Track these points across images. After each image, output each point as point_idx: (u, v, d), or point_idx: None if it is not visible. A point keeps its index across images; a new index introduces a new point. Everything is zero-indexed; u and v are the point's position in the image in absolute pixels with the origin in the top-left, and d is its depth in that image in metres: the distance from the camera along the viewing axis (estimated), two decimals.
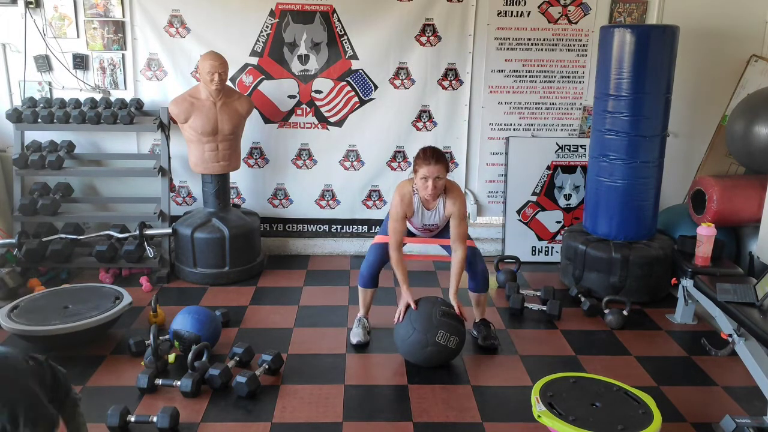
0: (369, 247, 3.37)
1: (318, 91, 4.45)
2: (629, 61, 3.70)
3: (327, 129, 4.53)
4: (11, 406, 1.54)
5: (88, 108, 4.20)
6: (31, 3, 4.15)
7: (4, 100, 4.36)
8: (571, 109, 4.55)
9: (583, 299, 3.79)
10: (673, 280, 3.64)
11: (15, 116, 4.14)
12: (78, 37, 4.29)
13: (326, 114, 4.50)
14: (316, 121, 4.51)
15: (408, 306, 3.07)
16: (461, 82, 4.46)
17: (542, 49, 4.43)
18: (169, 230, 4.16)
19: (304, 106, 4.47)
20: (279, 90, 4.43)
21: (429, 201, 3.16)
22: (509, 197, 4.59)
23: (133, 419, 2.59)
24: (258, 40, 4.33)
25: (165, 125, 4.21)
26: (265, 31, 4.33)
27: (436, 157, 3.02)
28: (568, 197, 4.60)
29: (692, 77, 4.38)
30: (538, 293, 3.87)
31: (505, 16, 4.37)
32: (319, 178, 4.62)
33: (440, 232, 3.36)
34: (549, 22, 4.38)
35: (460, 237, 3.15)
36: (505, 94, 4.51)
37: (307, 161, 4.59)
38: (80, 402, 1.90)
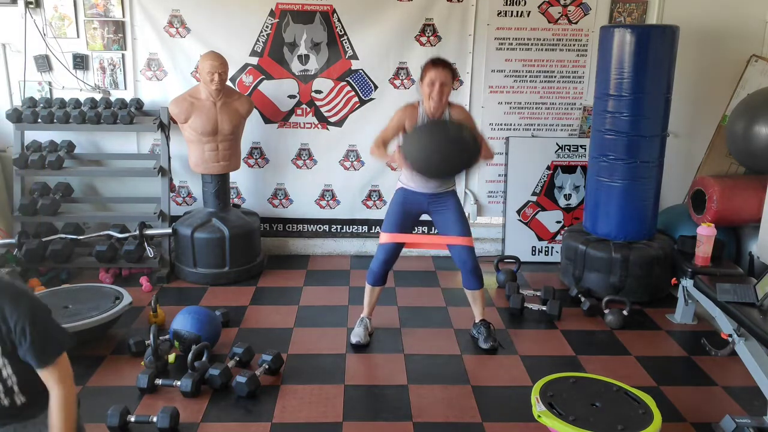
0: (378, 247, 3.32)
1: (318, 91, 4.45)
2: (629, 61, 3.70)
3: (327, 129, 4.53)
4: (32, 313, 1.64)
5: (88, 108, 4.20)
6: (31, 3, 4.15)
7: (4, 100, 4.36)
8: (571, 109, 4.55)
9: (583, 299, 3.79)
10: (673, 280, 3.64)
11: (15, 116, 4.14)
12: (78, 37, 4.29)
13: (326, 114, 4.50)
14: (316, 121, 4.51)
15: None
16: (461, 82, 4.46)
17: (542, 49, 4.43)
18: (169, 230, 4.16)
19: (304, 106, 4.48)
20: (279, 90, 4.43)
21: (434, 112, 3.12)
22: (509, 197, 4.59)
23: (133, 419, 2.59)
24: (258, 40, 4.34)
25: (165, 125, 4.21)
26: (265, 31, 4.33)
27: (443, 62, 3.06)
28: (568, 197, 4.60)
29: (692, 77, 4.38)
30: (538, 293, 3.87)
31: (505, 16, 4.37)
32: (319, 178, 4.62)
33: (442, 228, 3.31)
34: (549, 22, 4.38)
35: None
36: (505, 94, 4.51)
37: (307, 161, 4.59)
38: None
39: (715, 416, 2.71)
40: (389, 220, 3.28)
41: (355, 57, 4.39)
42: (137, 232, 4.11)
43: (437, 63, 3.07)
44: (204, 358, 2.97)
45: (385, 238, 3.28)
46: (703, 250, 3.45)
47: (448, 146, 2.82)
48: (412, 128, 3.09)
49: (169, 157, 4.27)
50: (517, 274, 4.17)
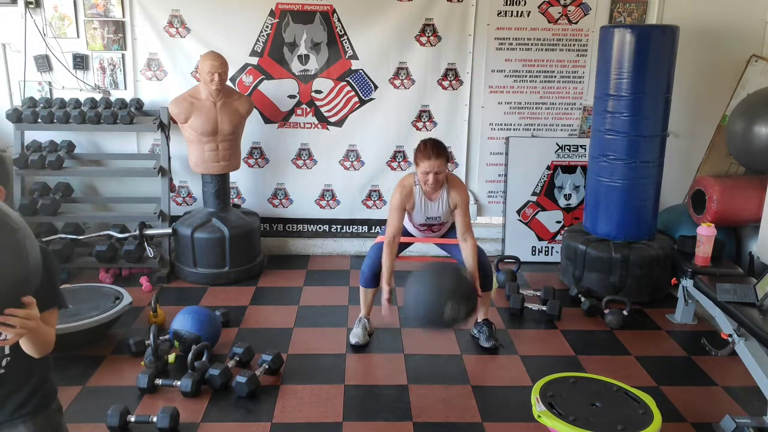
0: (371, 247, 3.37)
1: (318, 91, 4.45)
2: (629, 61, 3.70)
3: (327, 129, 4.53)
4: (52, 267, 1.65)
5: (88, 108, 4.20)
6: (31, 3, 4.15)
7: (4, 100, 4.36)
8: (571, 109, 4.55)
9: (583, 299, 3.79)
10: (673, 280, 3.64)
11: (15, 116, 4.14)
12: (78, 37, 4.29)
13: (326, 114, 4.50)
14: (316, 121, 4.51)
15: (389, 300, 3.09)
16: (461, 82, 4.46)
17: (542, 49, 4.42)
18: (169, 230, 4.16)
19: (304, 106, 4.47)
20: (279, 90, 4.43)
21: (431, 192, 3.16)
22: (509, 197, 4.59)
23: (133, 419, 2.59)
24: (258, 40, 4.33)
25: (165, 125, 4.21)
26: (265, 31, 4.33)
27: (436, 151, 3.03)
28: (568, 197, 4.60)
29: (692, 77, 4.38)
30: (538, 293, 3.87)
31: (505, 16, 4.37)
32: (319, 178, 4.62)
33: (442, 233, 3.36)
34: (549, 22, 4.38)
35: (468, 226, 3.18)
36: (505, 94, 4.51)
37: (307, 161, 4.59)
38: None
39: (715, 416, 2.70)
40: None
41: (355, 57, 4.39)
42: (137, 232, 4.11)
43: (430, 153, 3.01)
44: (204, 358, 2.97)
45: (381, 238, 3.28)
46: (703, 250, 3.45)
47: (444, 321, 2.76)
48: (412, 209, 3.16)
49: (169, 157, 4.27)
50: (517, 274, 4.17)
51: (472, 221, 3.30)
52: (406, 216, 3.26)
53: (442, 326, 2.82)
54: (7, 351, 1.64)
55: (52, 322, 1.74)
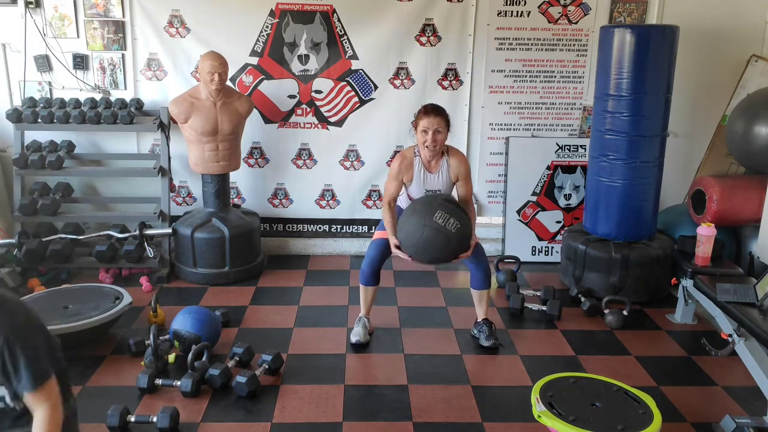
0: (369, 244, 3.36)
1: (318, 91, 4.45)
2: (629, 61, 3.70)
3: (327, 129, 4.53)
4: (12, 341, 1.57)
5: (88, 108, 4.20)
6: (31, 3, 4.15)
7: (4, 100, 4.36)
8: (571, 109, 4.55)
9: (583, 299, 3.79)
10: (673, 280, 3.64)
11: (15, 116, 4.14)
12: (78, 37, 4.29)
13: (326, 114, 4.50)
14: (316, 121, 4.51)
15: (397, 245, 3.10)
16: (461, 82, 4.46)
17: (542, 49, 4.42)
18: (169, 230, 4.16)
19: (304, 106, 4.48)
20: (279, 90, 4.43)
21: (431, 163, 3.15)
22: (509, 197, 4.59)
23: (133, 419, 2.59)
24: (258, 40, 4.33)
25: (165, 125, 4.21)
26: (265, 31, 4.33)
27: (436, 110, 3.05)
28: (568, 197, 4.60)
29: (692, 77, 4.38)
30: (538, 293, 3.87)
31: (505, 16, 4.37)
32: (319, 178, 4.62)
33: None
34: (549, 22, 4.38)
35: (470, 197, 3.20)
36: (505, 94, 4.51)
37: (307, 161, 4.59)
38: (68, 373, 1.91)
39: (715, 416, 2.71)
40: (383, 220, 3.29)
41: (355, 57, 4.39)
42: (137, 232, 4.11)
43: (429, 111, 3.06)
44: (204, 358, 2.97)
45: (379, 234, 3.29)
46: (703, 250, 3.45)
47: (430, 239, 2.92)
48: (410, 182, 3.16)
49: (169, 157, 4.27)
50: (517, 274, 4.17)
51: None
52: (404, 190, 3.24)
53: (436, 238, 2.89)
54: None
55: (49, 399, 1.62)
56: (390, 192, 3.21)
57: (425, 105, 3.17)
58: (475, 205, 4.59)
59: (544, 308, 3.69)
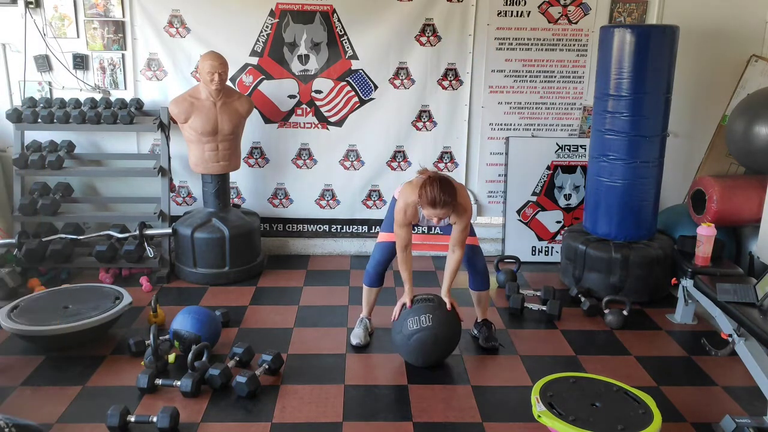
0: (375, 246, 3.34)
1: (318, 91, 4.45)
2: (629, 61, 3.70)
3: (327, 129, 4.53)
4: None
5: (88, 108, 4.20)
6: (31, 3, 4.15)
7: (4, 100, 4.36)
8: (571, 109, 4.56)
9: (583, 299, 3.79)
10: (673, 280, 3.64)
11: (15, 116, 4.14)
12: (78, 37, 4.29)
13: (326, 114, 4.50)
14: (316, 121, 4.51)
15: (403, 305, 3.09)
16: (461, 82, 4.46)
17: (542, 49, 4.43)
18: (169, 230, 4.16)
19: (304, 106, 4.48)
20: (279, 90, 4.43)
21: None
22: (509, 197, 4.59)
23: (133, 419, 2.59)
24: (258, 40, 4.34)
25: (165, 125, 4.21)
26: (265, 31, 4.33)
27: (442, 203, 2.83)
28: (568, 197, 4.60)
29: (692, 77, 4.38)
30: (538, 293, 3.87)
31: (505, 16, 4.37)
32: (319, 178, 4.62)
33: (446, 228, 3.31)
34: (549, 22, 4.38)
35: (460, 242, 3.10)
36: (505, 94, 4.51)
37: (307, 161, 4.59)
38: None
39: (715, 416, 2.71)
40: (389, 221, 3.27)
41: (355, 57, 4.39)
42: (137, 232, 4.11)
43: (435, 205, 2.82)
44: (204, 358, 2.97)
45: (384, 236, 3.28)
46: (703, 250, 3.45)
47: (416, 345, 3.04)
48: (413, 220, 3.11)
49: (169, 157, 4.27)
50: (517, 274, 4.17)
51: (472, 221, 3.27)
52: (398, 188, 3.20)
53: (424, 340, 3.00)
54: None
55: None
56: (402, 237, 3.08)
57: (432, 192, 2.81)
58: (475, 206, 4.60)
59: (544, 308, 3.69)
